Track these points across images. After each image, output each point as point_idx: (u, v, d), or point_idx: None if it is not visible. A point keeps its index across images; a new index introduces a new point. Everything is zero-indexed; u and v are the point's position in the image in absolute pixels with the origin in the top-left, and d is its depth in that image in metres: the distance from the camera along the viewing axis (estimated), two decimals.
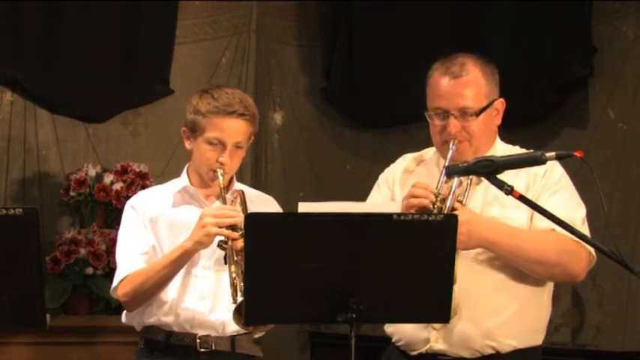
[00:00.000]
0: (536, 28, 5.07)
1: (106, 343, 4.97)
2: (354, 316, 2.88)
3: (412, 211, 3.13)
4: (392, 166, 3.55)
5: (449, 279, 2.93)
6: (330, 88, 5.70)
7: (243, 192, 3.54)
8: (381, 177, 3.54)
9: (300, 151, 5.76)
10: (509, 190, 2.96)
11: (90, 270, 5.02)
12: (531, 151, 3.34)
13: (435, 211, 3.12)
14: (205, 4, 5.70)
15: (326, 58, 5.69)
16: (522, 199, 2.98)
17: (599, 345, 4.92)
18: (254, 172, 5.63)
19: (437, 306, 2.96)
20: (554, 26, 5.01)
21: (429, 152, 3.49)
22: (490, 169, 2.99)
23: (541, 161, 2.94)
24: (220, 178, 3.47)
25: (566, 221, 2.98)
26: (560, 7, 4.98)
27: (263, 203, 3.65)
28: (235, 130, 3.49)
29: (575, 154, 2.90)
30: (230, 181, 3.59)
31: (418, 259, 2.92)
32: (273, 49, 5.80)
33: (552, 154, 2.92)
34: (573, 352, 4.96)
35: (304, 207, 3.01)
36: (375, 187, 3.54)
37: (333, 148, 5.73)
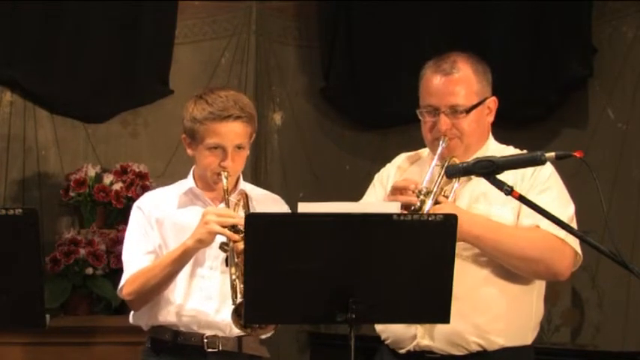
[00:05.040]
0: (536, 28, 5.08)
1: (106, 343, 4.96)
2: (354, 316, 2.87)
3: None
4: (388, 165, 3.57)
5: (448, 279, 2.92)
6: (330, 88, 5.70)
7: (246, 194, 3.52)
8: (377, 176, 3.56)
9: (299, 152, 5.76)
10: (508, 191, 2.96)
11: (90, 270, 5.01)
12: (524, 151, 3.35)
13: (418, 204, 3.15)
14: (205, 5, 5.70)
15: (325, 59, 5.69)
16: (522, 199, 2.98)
17: (598, 345, 4.92)
18: (254, 173, 5.62)
19: (436, 306, 2.96)
20: (554, 27, 5.02)
21: (426, 151, 3.49)
22: (489, 170, 2.99)
23: (541, 161, 2.94)
24: (224, 180, 3.46)
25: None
26: (560, 7, 4.99)
27: (270, 202, 3.65)
28: (234, 133, 3.48)
29: (575, 154, 2.89)
30: (236, 183, 3.58)
31: (418, 259, 2.92)
32: (272, 49, 5.80)
33: (552, 154, 2.91)
34: (573, 352, 4.97)
35: (304, 207, 3.00)
36: (371, 186, 3.56)
37: (333, 149, 5.73)
